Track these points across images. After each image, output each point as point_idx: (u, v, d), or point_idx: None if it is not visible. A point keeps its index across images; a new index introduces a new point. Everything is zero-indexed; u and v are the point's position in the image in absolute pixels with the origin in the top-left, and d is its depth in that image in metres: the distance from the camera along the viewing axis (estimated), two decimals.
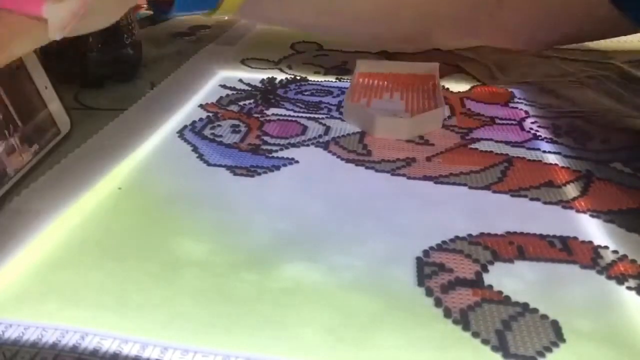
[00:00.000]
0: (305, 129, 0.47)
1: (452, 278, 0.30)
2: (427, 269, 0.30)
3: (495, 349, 0.25)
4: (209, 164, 0.41)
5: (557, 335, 0.26)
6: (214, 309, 0.27)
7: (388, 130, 0.45)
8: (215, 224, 0.34)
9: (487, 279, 0.30)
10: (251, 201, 0.37)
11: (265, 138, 0.45)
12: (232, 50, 0.67)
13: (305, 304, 0.28)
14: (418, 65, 0.58)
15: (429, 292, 0.29)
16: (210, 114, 0.49)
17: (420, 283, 0.29)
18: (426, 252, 0.32)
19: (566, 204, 0.37)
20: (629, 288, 0.30)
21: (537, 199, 0.37)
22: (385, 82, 0.56)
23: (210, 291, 0.29)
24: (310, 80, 0.58)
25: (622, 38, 0.73)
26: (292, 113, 0.50)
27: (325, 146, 0.44)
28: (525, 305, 0.28)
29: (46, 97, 0.42)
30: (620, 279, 0.30)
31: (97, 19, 0.35)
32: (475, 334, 0.26)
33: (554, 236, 0.34)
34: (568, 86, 0.57)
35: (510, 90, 0.56)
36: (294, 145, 0.44)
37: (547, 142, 0.45)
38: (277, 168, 0.41)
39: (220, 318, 0.27)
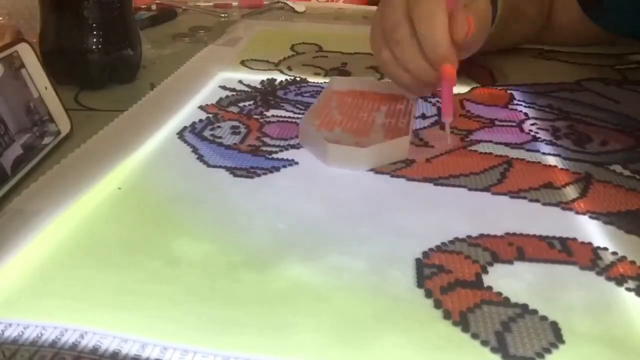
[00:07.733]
0: None
1: (451, 279, 0.30)
2: (426, 270, 0.30)
3: (494, 350, 0.25)
4: (208, 165, 0.41)
5: (556, 336, 0.26)
6: (214, 309, 0.27)
7: (342, 160, 0.41)
8: (214, 225, 0.34)
9: (487, 280, 0.30)
10: (251, 202, 0.37)
11: (265, 139, 0.45)
12: (232, 52, 0.67)
13: (305, 304, 0.28)
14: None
15: (429, 294, 0.29)
16: (210, 115, 0.49)
17: (420, 284, 0.29)
18: (426, 254, 0.32)
19: (565, 206, 0.37)
20: (628, 289, 0.30)
21: (537, 201, 0.37)
22: (361, 101, 0.51)
23: (209, 291, 0.29)
24: (310, 82, 0.58)
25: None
26: (292, 114, 0.50)
27: None
28: (524, 307, 0.28)
29: (46, 98, 0.42)
30: (620, 280, 0.30)
31: None
32: (475, 335, 0.26)
33: (554, 237, 0.34)
34: (567, 88, 0.57)
35: (509, 92, 0.56)
36: (293, 146, 0.44)
37: (546, 144, 0.45)
38: (277, 169, 0.41)
39: (220, 318, 0.27)
